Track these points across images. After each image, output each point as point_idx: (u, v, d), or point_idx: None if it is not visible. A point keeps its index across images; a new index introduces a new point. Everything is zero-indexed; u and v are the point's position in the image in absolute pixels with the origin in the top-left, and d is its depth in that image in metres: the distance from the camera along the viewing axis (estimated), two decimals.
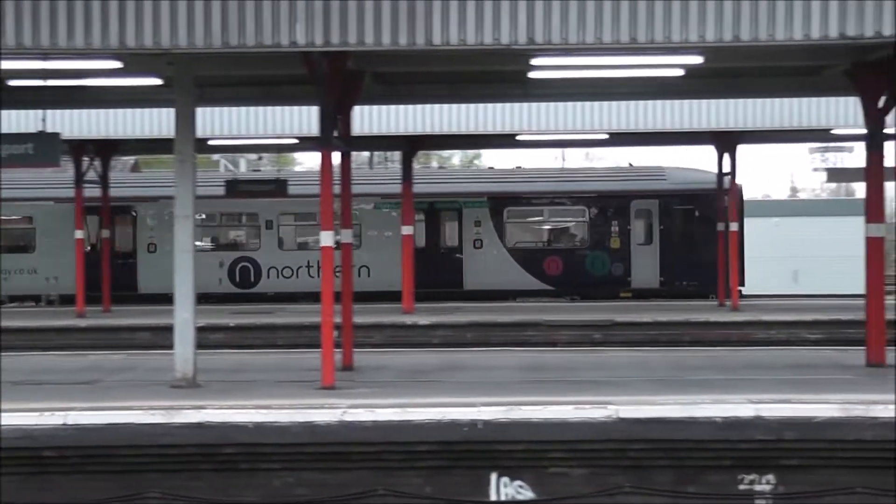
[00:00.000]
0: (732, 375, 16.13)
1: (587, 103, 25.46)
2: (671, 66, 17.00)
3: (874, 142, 16.84)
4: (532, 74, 17.68)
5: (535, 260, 33.00)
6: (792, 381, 15.49)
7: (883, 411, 13.15)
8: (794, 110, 26.05)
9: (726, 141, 28.85)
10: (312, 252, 31.42)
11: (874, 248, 16.89)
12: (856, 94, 17.20)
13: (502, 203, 33.11)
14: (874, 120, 16.69)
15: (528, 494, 13.22)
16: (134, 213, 33.37)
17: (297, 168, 62.90)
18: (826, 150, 64.48)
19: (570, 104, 25.54)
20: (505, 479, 13.25)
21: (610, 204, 33.04)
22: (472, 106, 25.72)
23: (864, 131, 17.01)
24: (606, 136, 28.34)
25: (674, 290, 32.54)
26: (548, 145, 36.71)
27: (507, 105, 25.75)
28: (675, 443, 13.15)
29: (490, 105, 25.69)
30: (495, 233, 32.96)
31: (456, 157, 74.32)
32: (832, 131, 27.60)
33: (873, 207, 16.90)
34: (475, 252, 32.85)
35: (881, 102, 16.41)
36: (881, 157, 16.88)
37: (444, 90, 20.71)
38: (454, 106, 25.51)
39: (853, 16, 13.32)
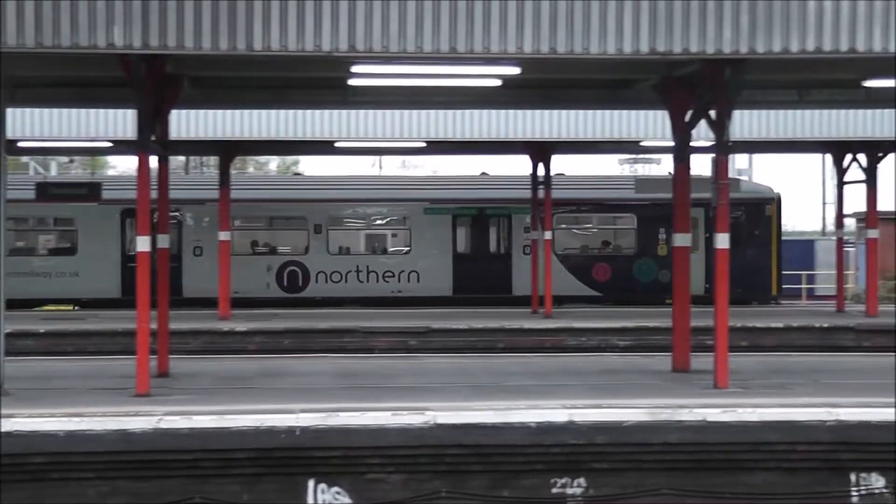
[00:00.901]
0: (546, 381, 16.47)
1: (405, 111, 25.63)
2: (490, 76, 17.30)
3: (681, 154, 17.43)
4: (352, 82, 17.76)
5: (584, 266, 33.16)
6: (603, 386, 15.91)
7: (688, 415, 13.63)
8: (605, 122, 26.72)
9: (541, 151, 29.41)
10: (360, 257, 32.65)
11: (680, 256, 17.48)
12: (664, 107, 17.77)
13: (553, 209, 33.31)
14: (681, 133, 17.27)
15: (346, 501, 13.28)
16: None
17: (111, 172, 61.82)
18: (635, 161, 66.15)
19: (388, 112, 25.67)
20: (322, 486, 13.27)
21: (657, 211, 32.31)
22: (290, 112, 25.64)
23: (672, 144, 17.61)
24: (424, 145, 28.58)
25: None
26: (366, 152, 36.81)
27: (327, 112, 25.75)
28: (491, 448, 13.37)
29: (309, 111, 25.65)
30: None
31: (273, 163, 73.91)
32: (641, 143, 28.40)
33: (680, 218, 17.49)
34: (524, 258, 32.69)
35: (688, 116, 16.99)
36: (688, 168, 17.48)
37: (264, 95, 20.62)
38: (273, 112, 25.39)
39: (663, 32, 13.80)
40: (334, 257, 32.63)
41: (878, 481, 13.53)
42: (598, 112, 25.95)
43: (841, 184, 30.59)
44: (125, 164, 57.15)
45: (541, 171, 29.88)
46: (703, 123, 16.40)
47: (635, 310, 29.70)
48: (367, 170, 67.35)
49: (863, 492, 13.52)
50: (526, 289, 31.49)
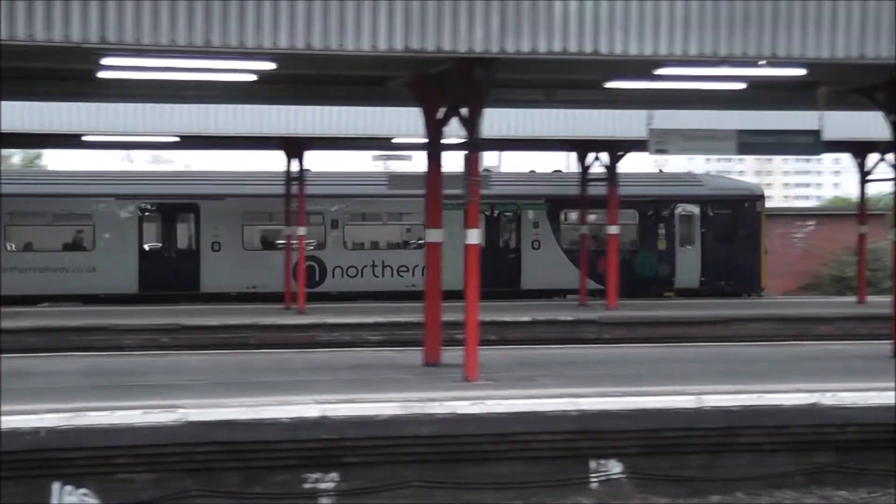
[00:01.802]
0: (299, 377, 16.49)
1: (158, 105, 25.18)
2: (245, 71, 17.19)
3: (433, 151, 17.73)
4: (102, 74, 17.34)
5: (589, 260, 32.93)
6: (355, 381, 16.04)
7: (438, 408, 13.90)
8: (359, 118, 26.90)
9: (294, 147, 29.37)
10: (377, 252, 33.29)
11: (432, 252, 17.76)
12: (418, 104, 18.04)
13: (559, 206, 33.81)
14: (433, 130, 17.57)
15: (93, 502, 12.99)
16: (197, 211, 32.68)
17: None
18: (388, 157, 66.67)
19: (140, 105, 25.16)
20: (69, 488, 12.94)
21: (657, 207, 34.11)
22: (37, 104, 24.82)
23: (425, 140, 17.88)
24: (178, 140, 28.15)
25: (714, 289, 33.70)
26: (115, 147, 35.95)
27: (75, 104, 25.04)
28: (243, 444, 13.32)
29: (56, 104, 24.88)
30: (552, 234, 33.69)
31: (16, 156, 71.31)
32: (393, 140, 28.71)
33: (432, 213, 17.78)
34: (533, 252, 33.37)
35: (440, 114, 17.29)
36: (439, 165, 17.79)
37: (9, 87, 19.90)
38: (17, 103, 24.50)
39: (417, 31, 14.02)
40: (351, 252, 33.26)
41: (615, 467, 14.11)
42: (354, 109, 26.10)
43: (584, 181, 31.64)
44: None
45: (295, 167, 29.84)
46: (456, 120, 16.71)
47: (388, 305, 29.99)
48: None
49: (601, 478, 14.07)
50: (535, 283, 33.12)
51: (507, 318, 26.78)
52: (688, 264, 34.39)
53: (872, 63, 14.75)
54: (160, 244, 33.04)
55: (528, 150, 35.71)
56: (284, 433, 13.40)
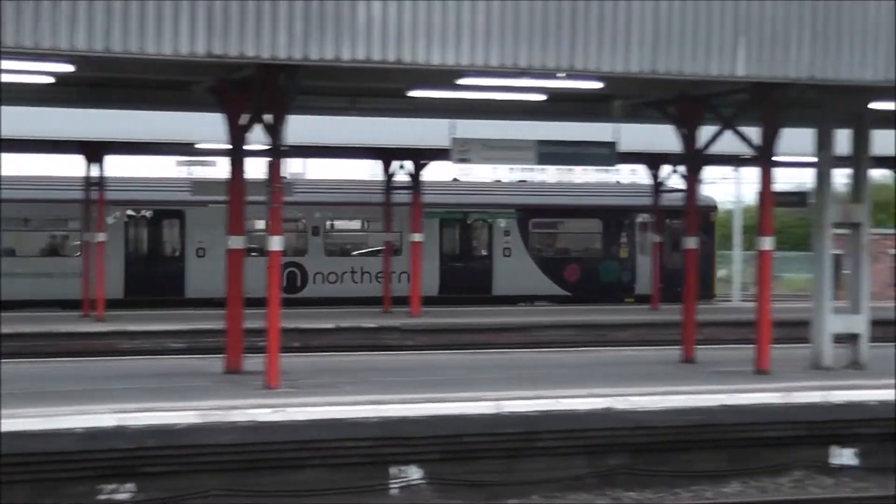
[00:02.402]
0: (97, 386, 16.12)
1: None
2: (42, 73, 16.74)
3: (236, 157, 17.60)
4: None
5: (556, 268, 35.02)
6: (156, 389, 15.77)
7: (239, 416, 13.81)
8: (163, 123, 26.46)
9: (94, 151, 28.73)
10: (356, 259, 34.35)
11: (234, 259, 17.61)
12: (221, 110, 17.87)
13: (528, 215, 35.13)
14: (237, 136, 17.44)
15: None
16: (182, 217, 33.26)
17: None
18: (192, 163, 65.66)
19: None
20: None
21: (619, 217, 35.84)
22: None
23: (228, 146, 17.73)
24: None
25: (670, 294, 33.13)
26: None
27: None
28: (35, 456, 12.96)
29: None
30: (522, 242, 34.54)
31: None
32: (196, 145, 28.35)
33: (235, 220, 17.63)
34: (504, 259, 34.85)
35: (244, 120, 17.18)
36: (242, 171, 17.65)
37: None
38: None
39: (219, 35, 13.87)
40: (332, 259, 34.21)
41: (415, 473, 14.24)
42: (157, 113, 25.65)
43: (389, 188, 31.83)
44: None
45: (96, 171, 29.19)
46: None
47: (189, 312, 29.59)
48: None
49: (402, 483, 14.18)
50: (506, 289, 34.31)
51: (311, 326, 26.74)
52: (647, 271, 35.16)
53: (663, 78, 15.25)
54: None
55: (333, 157, 35.72)
56: (79, 443, 13.09)
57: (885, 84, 15.89)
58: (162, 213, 33.30)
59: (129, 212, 32.89)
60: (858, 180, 18.80)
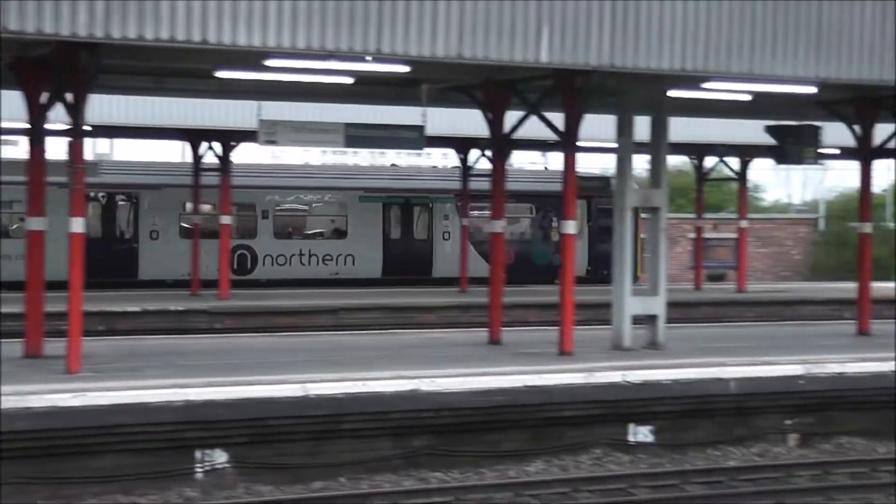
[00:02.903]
0: None
1: None
2: None
3: (36, 136, 17.12)
4: None
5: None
6: None
7: (37, 401, 13.49)
8: None
9: None
10: (305, 241, 35.06)
11: (34, 241, 17.13)
12: (20, 88, 17.35)
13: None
14: (36, 115, 16.96)
15: None
16: (135, 200, 33.80)
17: None
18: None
19: None
20: None
21: (550, 202, 35.27)
22: None
23: (28, 126, 17.23)
24: None
25: (598, 277, 35.71)
26: None
27: None
28: None
29: None
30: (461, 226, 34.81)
31: None
32: None
33: (34, 201, 17.15)
34: (444, 242, 35.98)
35: (43, 99, 16.72)
36: (43, 151, 17.19)
37: None
38: None
39: (15, 11, 13.45)
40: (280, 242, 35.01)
41: (220, 457, 14.15)
42: None
43: (197, 171, 31.43)
44: None
45: None
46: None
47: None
48: None
49: (206, 468, 14.08)
50: (445, 272, 34.90)
51: (117, 308, 26.24)
52: (577, 255, 35.14)
53: (469, 63, 15.43)
54: None
55: (140, 137, 35.07)
56: None
57: (680, 73, 16.41)
58: None
59: None
60: (657, 166, 19.37)
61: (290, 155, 69.46)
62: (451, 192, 35.95)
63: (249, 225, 34.77)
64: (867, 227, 21.84)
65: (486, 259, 34.64)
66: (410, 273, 35.88)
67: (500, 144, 19.82)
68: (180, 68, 19.25)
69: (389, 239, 36.20)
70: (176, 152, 47.80)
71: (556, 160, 40.40)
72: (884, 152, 22.73)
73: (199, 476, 14.04)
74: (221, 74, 19.14)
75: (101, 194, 33.33)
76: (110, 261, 32.41)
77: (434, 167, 43.95)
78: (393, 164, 39.67)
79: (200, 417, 14.02)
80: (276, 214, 35.17)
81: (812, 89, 18.93)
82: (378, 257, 35.81)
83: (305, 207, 36.00)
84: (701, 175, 36.17)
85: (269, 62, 16.57)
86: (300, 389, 14.71)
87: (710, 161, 36.04)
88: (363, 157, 75.62)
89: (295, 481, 14.33)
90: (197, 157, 31.29)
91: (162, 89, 21.48)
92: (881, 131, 22.00)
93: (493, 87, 19.18)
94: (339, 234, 35.82)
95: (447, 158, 50.15)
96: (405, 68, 17.17)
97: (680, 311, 29.70)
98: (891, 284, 36.47)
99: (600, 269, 36.42)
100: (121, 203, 34.02)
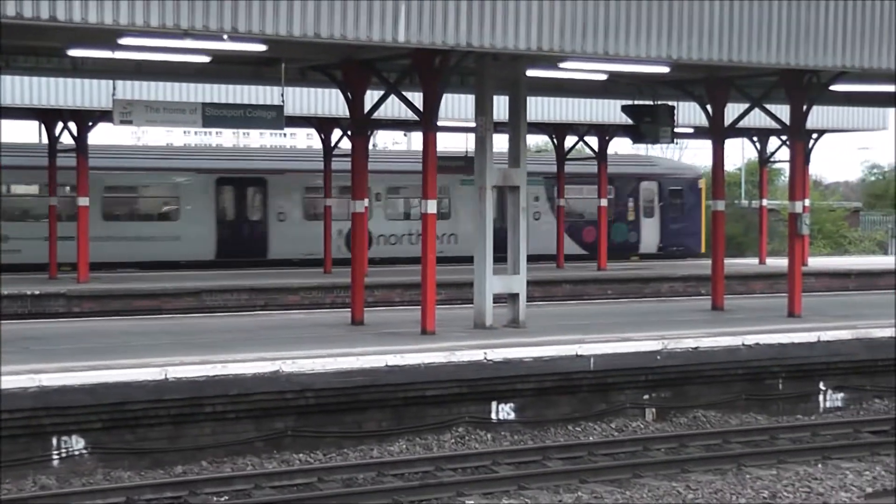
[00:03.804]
0: None
1: None
2: None
3: None
4: None
5: (579, 229, 38.53)
6: None
7: None
8: None
9: None
10: (414, 222, 36.08)
11: None
12: None
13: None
14: None
15: None
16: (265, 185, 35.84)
17: None
18: None
19: None
20: None
21: (626, 184, 39.50)
22: None
23: None
24: None
25: (668, 253, 39.70)
26: None
27: None
28: None
29: None
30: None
31: None
32: None
33: None
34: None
35: None
36: None
37: None
38: None
39: None
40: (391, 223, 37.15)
41: (78, 443, 13.89)
42: None
43: (53, 152, 30.77)
44: None
45: None
46: None
47: None
48: None
49: (64, 454, 13.81)
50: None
51: None
52: (649, 232, 40.01)
53: (328, 42, 15.34)
54: None
55: None
56: None
57: (536, 53, 16.54)
58: None
59: None
60: (515, 145, 19.51)
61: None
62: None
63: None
64: (720, 205, 22.34)
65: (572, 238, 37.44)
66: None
67: (360, 124, 19.77)
68: (30, 46, 18.79)
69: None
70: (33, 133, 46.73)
71: (623, 146, 42.66)
72: (735, 131, 23.27)
73: (55, 463, 13.77)
74: (74, 53, 18.73)
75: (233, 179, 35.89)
76: (245, 242, 35.79)
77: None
78: (234, 146, 39.89)
79: (56, 403, 13.74)
80: (388, 198, 37.35)
81: (665, 69, 19.29)
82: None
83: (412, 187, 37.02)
84: (561, 154, 36.57)
85: (123, 41, 16.27)
86: (159, 373, 14.50)
87: (570, 140, 36.46)
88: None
89: (155, 466, 14.15)
90: (52, 138, 30.59)
91: (13, 68, 20.92)
92: (735, 111, 22.54)
93: (352, 67, 19.12)
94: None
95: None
96: (262, 47, 17.01)
97: (542, 289, 30.14)
98: (745, 261, 37.42)
99: (669, 246, 40.52)
100: (250, 188, 36.18)
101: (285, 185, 36.44)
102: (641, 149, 41.88)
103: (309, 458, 14.76)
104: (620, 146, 40.45)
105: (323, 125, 32.70)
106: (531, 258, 36.61)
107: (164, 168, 35.81)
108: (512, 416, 16.49)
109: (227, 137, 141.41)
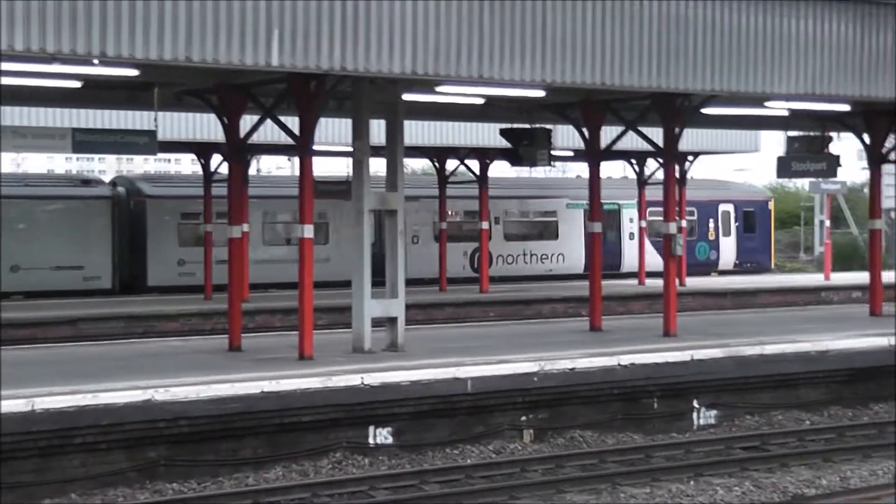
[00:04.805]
0: None
1: None
2: None
3: None
4: None
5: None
6: None
7: None
8: None
9: None
10: (527, 243, 40.63)
11: None
12: None
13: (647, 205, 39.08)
14: None
15: None
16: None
17: None
18: None
19: None
20: None
21: (707, 207, 43.53)
22: None
23: None
24: None
25: (743, 269, 43.61)
26: None
27: None
28: None
29: None
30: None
31: None
32: None
33: None
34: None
35: None
36: None
37: None
38: None
39: None
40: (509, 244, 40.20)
41: None
42: None
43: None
44: None
45: None
46: None
47: None
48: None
49: None
50: None
51: None
52: (727, 250, 43.98)
53: (200, 66, 15.19)
54: None
55: None
56: None
57: (411, 77, 16.58)
58: None
59: None
60: (392, 169, 19.52)
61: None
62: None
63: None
64: (597, 227, 22.58)
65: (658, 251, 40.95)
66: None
67: (236, 149, 19.62)
68: None
69: None
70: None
71: (699, 170, 45.23)
72: (612, 154, 23.56)
73: None
74: None
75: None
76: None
77: None
78: None
79: None
80: (506, 221, 40.20)
81: (540, 93, 19.46)
82: None
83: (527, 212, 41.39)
84: (443, 177, 36.71)
85: None
86: (26, 404, 14.17)
87: (452, 164, 36.62)
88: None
89: (24, 499, 13.82)
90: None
91: None
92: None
93: (227, 91, 18.96)
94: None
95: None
96: (134, 72, 16.79)
97: (424, 312, 30.15)
98: (628, 281, 37.88)
99: (745, 262, 44.41)
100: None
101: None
102: (717, 173, 49.14)
103: (182, 488, 14.54)
104: (697, 170, 42.69)
105: (202, 150, 32.39)
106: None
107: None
108: (390, 440, 16.43)
109: (109, 163, 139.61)
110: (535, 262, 40.90)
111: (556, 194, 41.71)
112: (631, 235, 41.84)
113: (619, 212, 42.11)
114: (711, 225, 44.25)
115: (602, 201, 41.27)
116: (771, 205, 46.51)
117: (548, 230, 41.61)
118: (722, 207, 44.30)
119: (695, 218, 43.15)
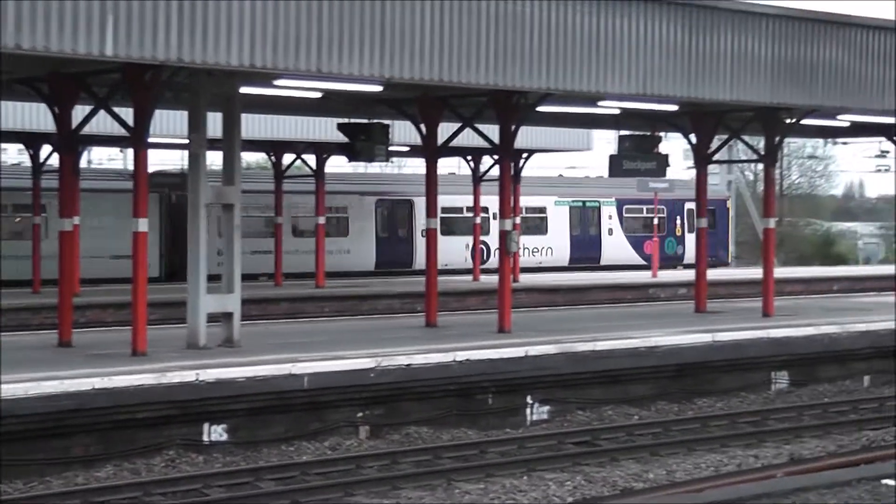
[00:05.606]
0: None
1: None
2: None
3: None
4: None
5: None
6: None
7: None
8: None
9: None
10: (526, 236, 41.18)
11: None
12: None
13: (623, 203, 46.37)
14: None
15: None
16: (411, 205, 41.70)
17: None
18: None
19: None
20: None
21: (676, 205, 46.84)
22: None
23: None
24: None
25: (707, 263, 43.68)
26: None
27: None
28: None
29: None
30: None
31: None
32: None
33: None
34: None
35: None
36: None
37: None
38: None
39: None
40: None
41: None
42: None
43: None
44: None
45: None
46: None
47: None
48: None
49: None
50: None
51: None
52: (692, 245, 45.25)
53: (29, 54, 14.76)
54: None
55: None
56: None
57: (249, 70, 16.39)
58: None
59: None
60: (230, 162, 19.30)
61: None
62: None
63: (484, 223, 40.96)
64: (433, 223, 22.70)
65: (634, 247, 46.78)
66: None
67: (67, 140, 19.15)
68: None
69: None
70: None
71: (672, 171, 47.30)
72: (449, 150, 23.70)
73: None
74: None
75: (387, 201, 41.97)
76: (395, 253, 41.99)
77: None
78: None
79: None
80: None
81: (378, 88, 19.46)
82: None
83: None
84: (279, 172, 36.46)
85: None
86: None
87: (288, 158, 36.40)
88: None
89: None
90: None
91: None
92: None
93: (59, 80, 18.48)
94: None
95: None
96: None
97: (259, 307, 29.91)
98: (462, 277, 38.19)
99: (707, 257, 49.26)
100: (399, 208, 42.39)
101: None
102: (681, 174, 53.15)
103: (8, 489, 14.13)
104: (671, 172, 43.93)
105: (32, 141, 31.52)
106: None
107: None
108: (224, 437, 16.25)
109: None
110: (528, 255, 43.30)
111: (546, 192, 45.04)
112: (610, 231, 46.49)
113: (600, 209, 46.46)
114: (678, 222, 47.93)
115: (584, 199, 44.58)
116: (729, 204, 50.78)
117: (539, 226, 45.10)
118: (688, 206, 46.57)
119: (665, 216, 46.67)
